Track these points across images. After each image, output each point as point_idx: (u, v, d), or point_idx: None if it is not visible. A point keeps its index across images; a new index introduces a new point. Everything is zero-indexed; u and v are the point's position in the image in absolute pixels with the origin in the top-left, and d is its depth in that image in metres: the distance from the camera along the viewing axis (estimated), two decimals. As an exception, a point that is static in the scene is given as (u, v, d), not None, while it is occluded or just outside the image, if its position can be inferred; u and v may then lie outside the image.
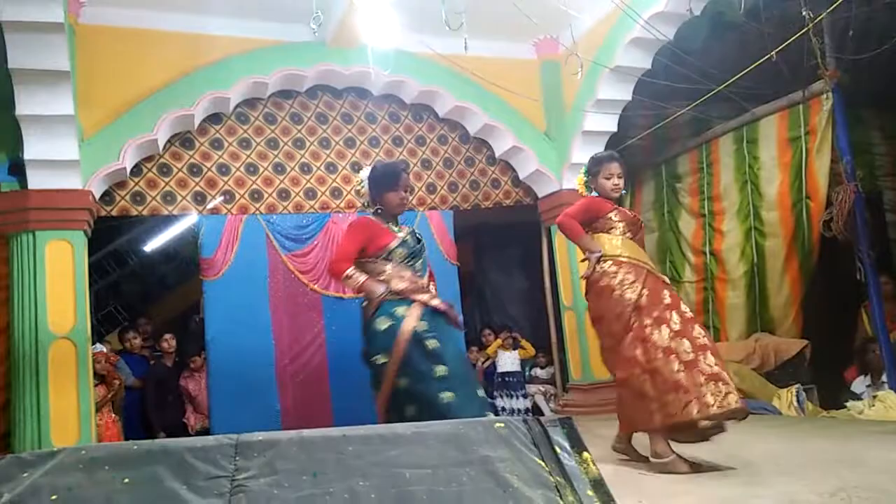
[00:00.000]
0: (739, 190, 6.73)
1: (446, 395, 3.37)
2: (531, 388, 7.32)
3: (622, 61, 6.18)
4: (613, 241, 3.83)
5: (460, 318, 3.94)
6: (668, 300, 3.66)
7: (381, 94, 6.56)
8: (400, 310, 3.58)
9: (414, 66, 6.29)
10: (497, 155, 6.97)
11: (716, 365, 3.46)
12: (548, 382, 7.39)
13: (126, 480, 1.70)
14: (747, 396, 5.85)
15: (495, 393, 7.11)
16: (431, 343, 3.50)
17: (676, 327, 3.55)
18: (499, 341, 7.32)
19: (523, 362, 7.39)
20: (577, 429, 2.16)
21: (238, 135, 6.20)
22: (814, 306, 6.19)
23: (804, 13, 4.93)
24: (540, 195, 6.99)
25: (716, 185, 7.01)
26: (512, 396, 7.06)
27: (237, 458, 1.80)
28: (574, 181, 4.44)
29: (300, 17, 5.66)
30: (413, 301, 3.59)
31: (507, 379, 7.16)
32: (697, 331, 3.58)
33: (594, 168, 4.03)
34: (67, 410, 4.87)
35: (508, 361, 7.26)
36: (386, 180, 3.86)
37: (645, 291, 3.65)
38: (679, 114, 6.49)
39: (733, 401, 3.40)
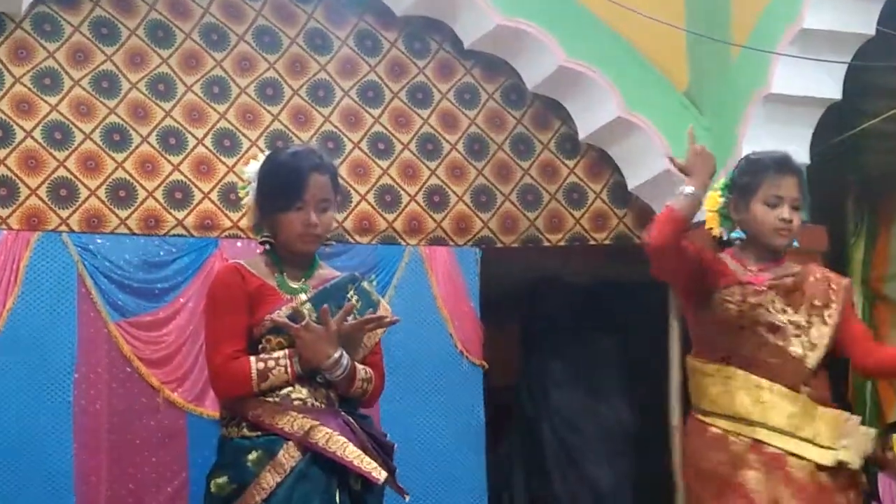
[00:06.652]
0: None
1: None
2: None
3: (861, -43, 4.41)
4: (762, 397, 2.82)
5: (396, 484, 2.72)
6: None
7: (345, -9, 4.78)
8: (253, 456, 2.58)
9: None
10: (581, 136, 4.93)
11: None
12: None
13: None
14: None
15: None
16: None
17: None
18: None
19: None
20: None
21: (36, 59, 4.41)
22: None
23: None
24: (667, 223, 4.82)
25: None
26: None
27: None
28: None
29: None
30: (287, 440, 2.57)
31: None
32: None
33: (747, 177, 2.93)
34: None
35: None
36: (279, 187, 2.65)
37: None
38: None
39: None
